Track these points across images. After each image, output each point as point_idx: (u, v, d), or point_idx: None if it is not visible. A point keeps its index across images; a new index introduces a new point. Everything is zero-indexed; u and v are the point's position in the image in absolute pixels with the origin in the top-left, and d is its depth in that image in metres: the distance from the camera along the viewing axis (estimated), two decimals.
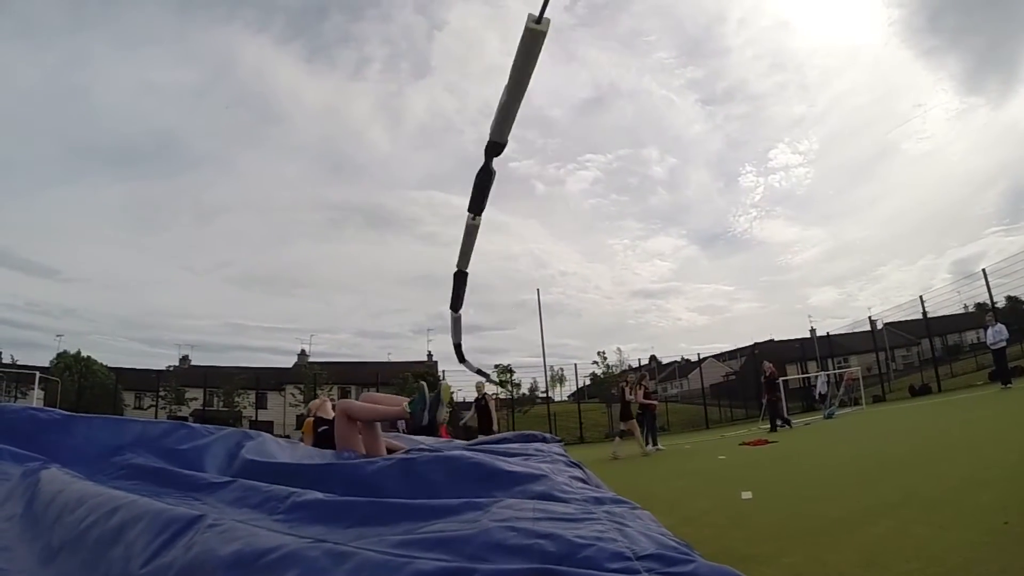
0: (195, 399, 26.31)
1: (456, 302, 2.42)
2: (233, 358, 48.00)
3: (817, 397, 19.50)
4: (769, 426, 12.23)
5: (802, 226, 59.53)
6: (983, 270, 16.36)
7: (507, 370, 26.33)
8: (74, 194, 47.36)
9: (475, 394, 10.67)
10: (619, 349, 31.05)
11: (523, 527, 1.00)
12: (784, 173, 58.66)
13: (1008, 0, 40.29)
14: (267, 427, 21.77)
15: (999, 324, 12.29)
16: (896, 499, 3.33)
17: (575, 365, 27.97)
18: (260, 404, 27.27)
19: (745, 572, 0.91)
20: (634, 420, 10.55)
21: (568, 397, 32.07)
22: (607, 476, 2.79)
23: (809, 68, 57.54)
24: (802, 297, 57.27)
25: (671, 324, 56.12)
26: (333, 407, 3.32)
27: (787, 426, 12.25)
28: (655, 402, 10.83)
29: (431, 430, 7.96)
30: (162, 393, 26.01)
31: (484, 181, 1.64)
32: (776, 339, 30.61)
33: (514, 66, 1.25)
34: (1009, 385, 11.70)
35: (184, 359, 32.10)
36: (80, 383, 25.06)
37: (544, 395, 27.08)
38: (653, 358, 35.11)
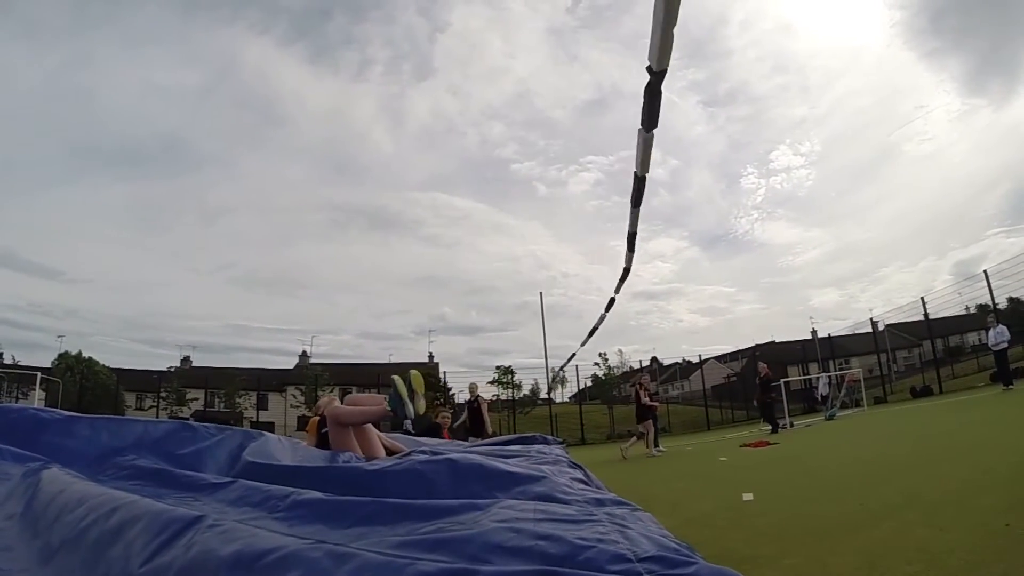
0: (196, 400, 26.33)
1: (636, 199, 2.94)
2: (235, 359, 48.06)
3: (818, 399, 19.46)
4: (770, 428, 12.20)
5: (804, 228, 59.48)
6: (985, 271, 16.33)
7: (508, 371, 26.30)
8: (77, 195, 47.56)
9: (486, 396, 10.67)
10: (620, 351, 30.97)
11: (524, 528, 1.00)
12: (786, 175, 58.60)
13: (1010, 2, 40.29)
14: (268, 428, 21.69)
15: (1001, 326, 12.27)
16: (897, 501, 3.32)
17: (576, 366, 27.93)
18: (261, 405, 27.28)
19: (746, 574, 0.91)
20: (649, 420, 10.51)
21: (569, 398, 32.04)
22: (608, 477, 2.78)
23: (811, 70, 57.51)
24: (803, 299, 57.26)
25: (673, 326, 56.11)
26: None
27: (773, 430, 12.01)
28: (656, 404, 10.78)
29: (434, 431, 7.97)
30: (163, 394, 26.01)
31: (654, 101, 1.91)
32: (777, 340, 30.66)
33: None
34: (1011, 387, 11.67)
35: (185, 360, 32.15)
36: (81, 384, 25.09)
37: (547, 396, 27.06)
38: (654, 359, 35.06)
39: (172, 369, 30.41)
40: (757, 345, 27.87)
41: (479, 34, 56.31)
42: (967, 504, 3.03)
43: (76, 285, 45.50)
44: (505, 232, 57.37)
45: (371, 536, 1.08)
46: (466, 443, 4.77)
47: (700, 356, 30.12)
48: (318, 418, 3.65)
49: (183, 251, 51.11)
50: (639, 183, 2.67)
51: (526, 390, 27.85)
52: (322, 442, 3.20)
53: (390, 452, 3.05)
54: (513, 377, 26.22)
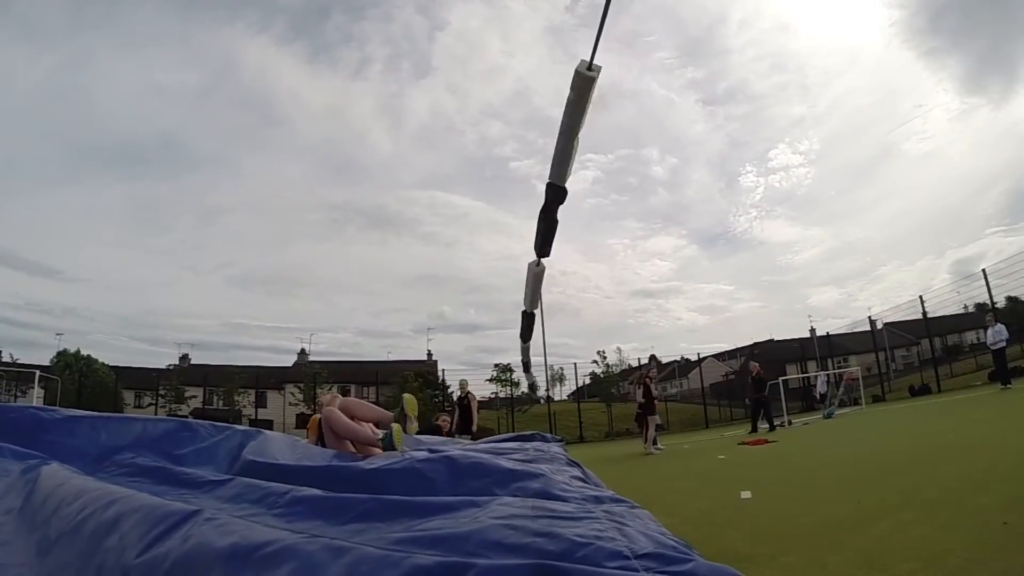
0: (195, 398, 26.31)
1: (525, 335, 2.68)
2: (233, 357, 47.96)
3: (817, 397, 19.51)
4: (768, 426, 12.22)
5: (802, 226, 59.50)
6: (983, 270, 16.37)
7: (506, 369, 26.29)
8: (76, 195, 47.43)
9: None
10: (619, 349, 31.02)
11: (521, 525, 1.00)
12: (784, 173, 58.60)
13: (1009, 1, 40.28)
14: (267, 426, 21.75)
15: (999, 324, 12.29)
16: (896, 500, 3.32)
17: (575, 364, 27.95)
18: (260, 403, 27.25)
19: (744, 572, 0.91)
20: (656, 415, 10.53)
21: (568, 396, 32.05)
22: (606, 475, 2.78)
23: (810, 69, 57.53)
24: (802, 297, 57.29)
25: (671, 324, 56.12)
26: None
27: (753, 431, 11.93)
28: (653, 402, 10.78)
29: (434, 433, 7.98)
30: (162, 392, 25.99)
31: (548, 228, 1.64)
32: (776, 339, 30.67)
33: (566, 111, 1.27)
34: (1009, 385, 11.69)
35: (184, 358, 32.08)
36: (80, 382, 25.07)
37: (545, 395, 27.05)
38: (653, 357, 35.06)
39: (171, 367, 30.33)
40: (756, 343, 27.92)
41: (478, 33, 56.24)
42: (965, 502, 3.03)
43: (75, 283, 45.51)
44: (504, 230, 57.28)
45: (369, 532, 1.08)
46: (466, 441, 4.78)
47: (699, 354, 30.19)
48: (319, 416, 3.65)
49: (182, 250, 50.94)
50: (528, 319, 2.51)
51: (524, 388, 27.84)
52: (323, 440, 3.20)
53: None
54: (512, 375, 26.23)
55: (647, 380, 10.97)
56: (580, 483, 1.71)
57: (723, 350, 33.41)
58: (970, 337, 29.71)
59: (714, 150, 58.89)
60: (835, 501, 3.65)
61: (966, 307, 23.84)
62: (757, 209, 58.83)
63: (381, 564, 0.76)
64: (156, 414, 23.31)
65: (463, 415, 10.19)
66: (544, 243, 1.73)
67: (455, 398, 11.10)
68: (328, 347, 53.03)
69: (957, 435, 6.32)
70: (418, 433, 5.50)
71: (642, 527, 1.07)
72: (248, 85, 51.27)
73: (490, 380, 26.02)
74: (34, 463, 1.60)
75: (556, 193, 1.48)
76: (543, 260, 1.93)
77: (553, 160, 1.39)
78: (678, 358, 37.45)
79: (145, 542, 0.89)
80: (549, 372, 25.05)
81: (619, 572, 0.82)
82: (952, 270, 48.78)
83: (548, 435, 3.65)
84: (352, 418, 3.07)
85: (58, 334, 34.92)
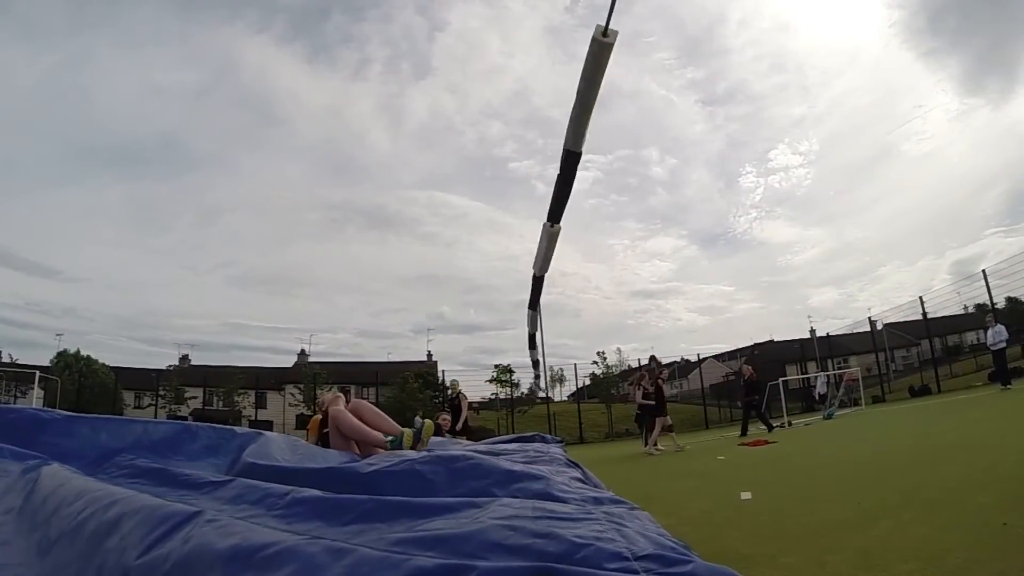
0: (194, 398, 26.31)
1: (533, 301, 2.56)
2: (233, 358, 48.01)
3: (817, 398, 19.50)
4: (765, 428, 12.21)
5: (802, 227, 59.56)
6: (983, 271, 16.44)
7: (507, 370, 26.28)
8: (76, 194, 47.52)
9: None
10: (619, 349, 31.02)
11: (522, 526, 1.00)
12: (784, 174, 58.67)
13: (1008, 1, 40.32)
14: (266, 427, 21.74)
15: (999, 325, 12.30)
16: (896, 500, 3.33)
17: (575, 365, 27.93)
18: (260, 404, 27.25)
19: (744, 572, 0.91)
20: (665, 417, 10.50)
21: (568, 397, 32.04)
22: (606, 476, 2.78)
23: (809, 69, 57.60)
24: (802, 297, 57.31)
25: (671, 324, 56.18)
26: (348, 402, 3.31)
27: (743, 434, 11.89)
28: (653, 403, 10.77)
29: (435, 434, 7.99)
30: (162, 392, 25.97)
31: (563, 192, 1.68)
32: (776, 339, 30.71)
33: (583, 77, 1.28)
34: (1009, 386, 11.71)
35: (184, 359, 32.08)
36: (80, 382, 25.05)
37: (544, 396, 27.04)
38: (653, 358, 35.06)
39: (171, 368, 30.30)
40: (756, 344, 27.92)
41: (478, 33, 56.30)
42: (965, 503, 3.04)
43: (74, 284, 45.52)
44: (503, 230, 57.40)
45: (369, 533, 1.08)
46: (465, 442, 4.78)
47: (699, 355, 30.21)
48: (320, 417, 3.64)
49: (181, 250, 50.96)
50: (538, 284, 2.50)
51: (524, 388, 27.82)
52: (323, 440, 3.20)
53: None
54: (512, 376, 26.22)
55: (659, 381, 10.92)
56: (580, 484, 1.70)
57: (723, 351, 33.44)
58: (970, 338, 29.72)
59: (714, 150, 59.03)
60: (835, 501, 3.65)
61: (966, 308, 23.90)
62: (757, 209, 58.93)
63: (381, 565, 0.76)
64: (156, 415, 23.32)
65: (454, 415, 10.25)
66: (559, 207, 1.78)
67: (449, 398, 11.11)
68: (328, 347, 53.12)
69: (957, 435, 6.32)
70: None
71: (641, 528, 1.07)
72: (248, 85, 51.37)
73: (490, 381, 26.02)
74: (34, 463, 1.60)
75: (573, 159, 1.52)
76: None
77: (569, 127, 1.42)
78: (678, 359, 37.45)
79: (146, 543, 0.89)
80: (549, 373, 25.04)
81: (619, 573, 0.82)
82: (952, 270, 48.99)
83: (548, 436, 3.65)
84: (362, 421, 3.06)
85: (58, 334, 34.98)
